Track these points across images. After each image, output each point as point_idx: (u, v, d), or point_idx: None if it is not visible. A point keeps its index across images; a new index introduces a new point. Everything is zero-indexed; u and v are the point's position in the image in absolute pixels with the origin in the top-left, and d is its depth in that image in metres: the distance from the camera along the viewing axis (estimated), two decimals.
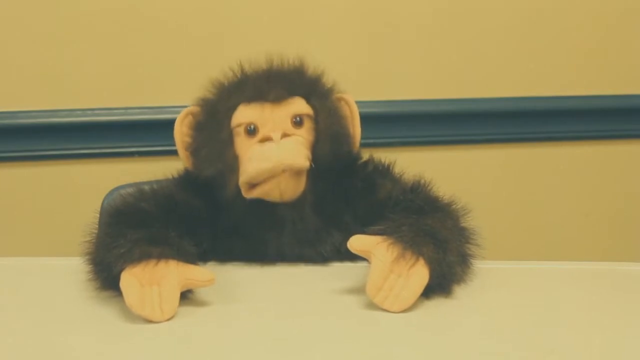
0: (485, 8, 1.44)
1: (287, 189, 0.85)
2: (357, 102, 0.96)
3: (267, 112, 0.87)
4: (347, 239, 0.79)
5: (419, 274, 0.75)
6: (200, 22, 1.37)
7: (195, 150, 0.90)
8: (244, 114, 0.87)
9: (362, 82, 1.42)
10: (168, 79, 1.37)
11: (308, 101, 0.90)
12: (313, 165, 0.85)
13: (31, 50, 1.33)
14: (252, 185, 0.85)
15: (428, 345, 0.68)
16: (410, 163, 0.93)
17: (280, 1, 1.38)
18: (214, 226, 0.90)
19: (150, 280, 0.74)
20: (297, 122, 0.88)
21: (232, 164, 0.86)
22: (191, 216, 0.88)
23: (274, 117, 0.87)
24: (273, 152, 0.83)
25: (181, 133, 0.91)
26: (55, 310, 0.76)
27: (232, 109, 0.88)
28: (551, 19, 1.47)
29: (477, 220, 0.86)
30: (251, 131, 0.86)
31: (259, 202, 0.86)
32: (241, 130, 0.87)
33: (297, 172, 0.85)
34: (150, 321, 0.72)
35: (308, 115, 0.89)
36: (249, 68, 0.93)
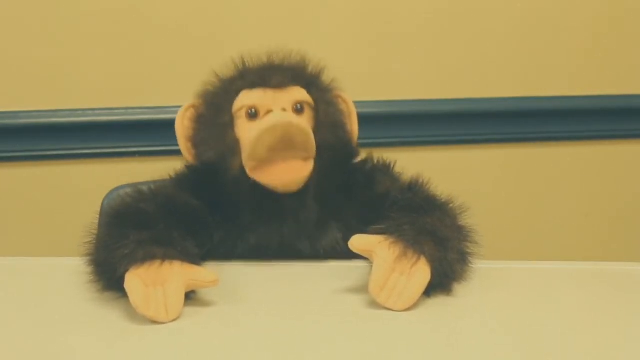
0: (485, 8, 1.44)
1: (292, 170, 0.83)
2: (357, 102, 0.96)
3: (269, 97, 0.87)
4: (346, 234, 0.79)
5: (421, 273, 0.76)
6: (200, 22, 1.37)
7: (196, 139, 0.90)
8: (245, 98, 0.87)
9: (362, 82, 1.42)
10: (168, 79, 1.37)
11: (309, 92, 0.90)
12: (317, 154, 0.85)
13: (31, 50, 1.33)
14: (258, 164, 0.83)
15: (432, 344, 0.68)
16: (410, 163, 0.93)
17: (281, 1, 1.38)
18: (212, 228, 0.89)
19: (155, 281, 0.74)
20: (298, 109, 0.88)
21: (233, 147, 0.86)
22: (191, 217, 0.87)
23: (275, 102, 0.87)
24: (274, 115, 0.82)
25: (183, 126, 0.91)
26: (56, 311, 0.76)
27: (234, 94, 0.89)
28: (551, 19, 1.47)
29: (477, 220, 0.86)
30: (252, 114, 0.86)
31: (261, 191, 0.85)
32: (242, 113, 0.87)
33: (303, 157, 0.84)
34: (155, 322, 0.72)
35: (309, 104, 0.89)
36: (249, 61, 0.93)
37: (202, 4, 1.36)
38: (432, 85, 1.46)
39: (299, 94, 0.89)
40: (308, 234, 0.89)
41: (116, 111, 1.37)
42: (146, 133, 1.37)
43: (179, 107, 0.93)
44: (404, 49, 1.44)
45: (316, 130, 0.87)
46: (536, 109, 1.49)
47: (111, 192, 1.13)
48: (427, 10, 1.43)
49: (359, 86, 1.41)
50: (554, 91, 1.49)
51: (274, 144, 0.80)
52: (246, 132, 0.85)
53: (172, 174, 0.95)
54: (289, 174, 0.83)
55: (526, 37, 1.47)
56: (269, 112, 0.85)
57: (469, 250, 0.83)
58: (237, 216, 0.89)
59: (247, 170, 0.84)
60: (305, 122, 0.86)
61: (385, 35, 1.43)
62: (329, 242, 0.90)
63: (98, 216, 0.98)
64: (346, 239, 0.80)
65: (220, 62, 0.93)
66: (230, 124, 0.87)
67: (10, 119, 1.34)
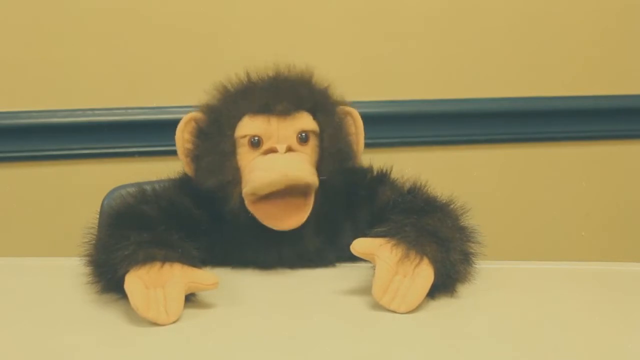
0: (485, 8, 1.44)
1: (292, 212, 0.83)
2: (358, 102, 0.95)
3: (273, 126, 0.86)
4: (347, 254, 0.79)
5: (424, 274, 0.75)
6: (200, 22, 1.37)
7: (196, 158, 0.89)
8: (249, 126, 0.86)
9: (362, 82, 1.42)
10: (168, 79, 1.37)
11: (314, 116, 0.88)
12: (319, 181, 0.84)
13: (31, 50, 1.33)
14: (257, 198, 0.83)
15: (435, 346, 0.68)
16: (410, 163, 0.93)
17: (280, 1, 1.38)
18: (212, 238, 0.88)
19: (155, 283, 0.74)
20: (303, 138, 0.86)
21: (234, 176, 0.85)
22: (191, 225, 0.86)
23: (279, 131, 0.86)
24: (278, 163, 0.81)
25: (183, 139, 0.90)
26: (55, 311, 0.76)
27: (237, 118, 0.87)
28: (551, 19, 1.47)
29: (477, 220, 0.86)
30: (255, 143, 0.85)
31: (260, 223, 0.85)
32: (245, 141, 0.86)
33: (304, 192, 0.83)
34: (155, 324, 0.71)
35: (313, 132, 0.88)
36: (255, 76, 0.91)
37: (202, 4, 1.36)
38: (432, 85, 1.46)
39: (304, 122, 0.87)
40: (307, 261, 0.89)
41: (116, 111, 1.37)
42: (146, 133, 1.37)
43: (179, 107, 0.93)
44: (404, 49, 1.43)
45: (320, 159, 0.87)
46: (536, 109, 1.49)
47: (111, 192, 1.13)
48: (428, 10, 1.43)
49: (359, 86, 1.40)
50: (554, 91, 1.49)
51: (276, 189, 0.81)
52: (248, 162, 0.85)
53: (174, 175, 0.94)
54: (288, 217, 0.83)
55: (526, 37, 1.47)
56: (272, 149, 0.83)
57: (471, 251, 0.83)
58: (235, 237, 0.88)
59: (247, 203, 0.84)
60: (308, 156, 0.85)
61: (384, 35, 1.42)
62: (329, 263, 0.90)
63: (98, 216, 0.98)
64: (347, 257, 0.79)
65: (220, 62, 0.93)
66: (232, 151, 0.86)
67: (10, 119, 1.34)
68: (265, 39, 1.37)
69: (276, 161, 0.82)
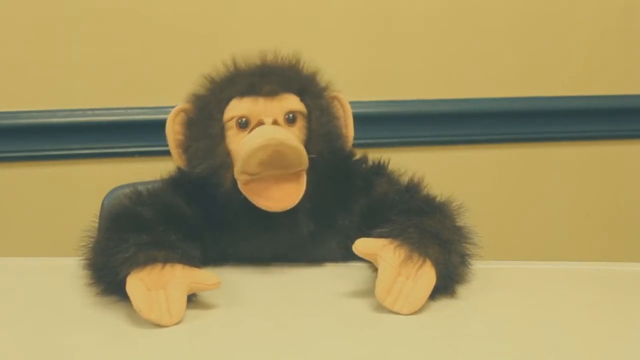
0: (485, 8, 1.44)
1: (285, 194, 0.82)
2: (358, 102, 0.96)
3: (260, 106, 0.85)
4: (344, 243, 0.78)
5: (427, 276, 0.75)
6: (200, 22, 1.37)
7: (187, 147, 0.88)
8: (236, 108, 0.85)
9: (362, 82, 1.42)
10: (168, 79, 1.37)
11: (301, 99, 0.88)
12: (310, 161, 0.83)
13: (31, 50, 1.33)
14: (250, 180, 0.82)
15: (437, 346, 0.68)
16: (410, 163, 0.93)
17: (281, 1, 1.38)
18: (206, 234, 0.88)
19: (157, 285, 0.73)
20: (290, 119, 0.86)
21: (225, 160, 0.84)
22: (186, 223, 0.86)
23: (267, 111, 0.85)
24: (265, 131, 0.80)
25: (173, 131, 0.89)
26: (57, 312, 0.76)
27: (224, 102, 0.86)
28: (551, 19, 1.47)
29: (477, 220, 0.86)
30: (243, 124, 0.84)
31: (254, 206, 0.83)
32: (233, 123, 0.85)
33: (296, 174, 0.83)
34: (158, 325, 0.71)
35: (301, 113, 0.87)
36: (241, 63, 0.91)
37: (201, 4, 1.36)
38: (432, 85, 1.46)
39: (291, 103, 0.86)
40: (302, 246, 0.88)
41: (116, 111, 1.37)
42: (146, 133, 1.37)
43: None
44: (404, 49, 1.44)
45: (308, 140, 0.86)
46: (536, 109, 1.49)
47: (111, 192, 1.13)
48: (428, 10, 1.43)
49: (359, 86, 1.41)
50: (554, 91, 1.49)
51: (265, 160, 0.79)
52: (237, 143, 0.84)
53: (166, 175, 0.93)
54: (281, 199, 0.82)
55: (526, 37, 1.47)
56: (259, 123, 0.83)
57: (468, 252, 0.83)
58: (230, 227, 0.88)
59: (239, 185, 0.83)
60: (296, 135, 0.84)
61: (385, 35, 1.43)
62: (325, 253, 0.90)
63: (98, 217, 0.98)
64: (344, 248, 0.79)
65: (220, 62, 0.92)
66: (221, 134, 0.85)
67: (10, 119, 1.34)
68: (266, 39, 1.37)
69: (263, 130, 0.81)
